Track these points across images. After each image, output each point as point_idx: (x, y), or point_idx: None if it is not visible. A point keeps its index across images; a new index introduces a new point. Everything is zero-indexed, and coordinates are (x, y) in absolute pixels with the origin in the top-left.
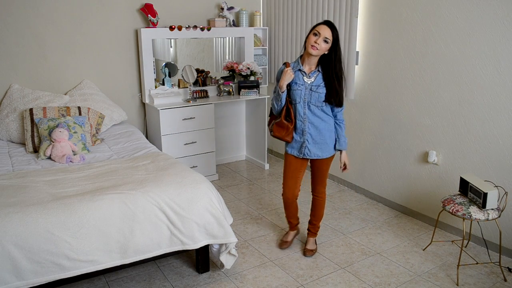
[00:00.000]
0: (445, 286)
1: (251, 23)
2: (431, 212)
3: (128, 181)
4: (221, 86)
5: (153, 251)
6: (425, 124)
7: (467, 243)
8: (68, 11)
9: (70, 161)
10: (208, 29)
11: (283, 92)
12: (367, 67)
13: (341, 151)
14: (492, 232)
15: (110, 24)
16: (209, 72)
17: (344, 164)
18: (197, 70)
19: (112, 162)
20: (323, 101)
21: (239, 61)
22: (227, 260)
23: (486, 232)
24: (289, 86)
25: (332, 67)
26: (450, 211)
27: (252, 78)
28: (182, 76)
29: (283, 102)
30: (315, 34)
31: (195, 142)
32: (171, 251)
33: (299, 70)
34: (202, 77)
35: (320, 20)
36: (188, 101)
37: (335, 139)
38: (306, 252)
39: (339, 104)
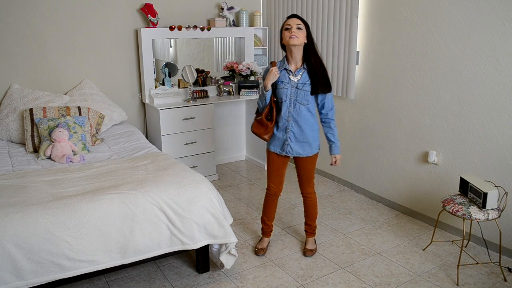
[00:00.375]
0: (445, 286)
1: (251, 23)
2: (431, 212)
3: (128, 181)
4: (221, 86)
5: (153, 251)
6: (425, 124)
7: (467, 243)
8: (68, 11)
9: (70, 161)
10: (208, 29)
11: (267, 91)
12: (367, 67)
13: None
14: (492, 232)
15: (110, 24)
16: (209, 72)
17: (335, 162)
18: (197, 70)
19: (112, 162)
20: (311, 94)
21: (239, 61)
22: (227, 260)
23: (486, 232)
24: (275, 85)
25: (310, 55)
26: (450, 211)
27: (252, 78)
28: (182, 76)
29: (267, 101)
30: (287, 29)
31: (195, 142)
32: (171, 251)
33: (285, 69)
34: (202, 77)
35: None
36: (188, 101)
37: (318, 138)
38: (306, 252)
39: (328, 87)
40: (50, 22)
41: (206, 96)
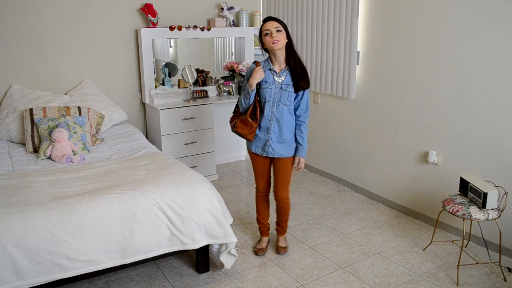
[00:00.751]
0: (445, 286)
1: (251, 23)
2: (431, 212)
3: (128, 181)
4: (221, 86)
5: (153, 251)
6: (425, 124)
7: (467, 243)
8: (68, 11)
9: (70, 161)
10: (208, 29)
11: (252, 91)
12: (368, 67)
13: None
14: (492, 232)
15: (110, 24)
16: (209, 72)
17: (298, 164)
18: (197, 70)
19: (112, 162)
20: (295, 92)
21: (239, 61)
22: (227, 260)
23: (486, 232)
24: (258, 84)
25: (290, 54)
26: (450, 211)
27: None
28: (182, 76)
29: (251, 100)
30: (266, 34)
31: (195, 142)
32: (171, 251)
33: (270, 69)
34: (202, 77)
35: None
36: (188, 101)
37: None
38: (280, 250)
39: (307, 83)
40: (50, 22)
41: (206, 96)
